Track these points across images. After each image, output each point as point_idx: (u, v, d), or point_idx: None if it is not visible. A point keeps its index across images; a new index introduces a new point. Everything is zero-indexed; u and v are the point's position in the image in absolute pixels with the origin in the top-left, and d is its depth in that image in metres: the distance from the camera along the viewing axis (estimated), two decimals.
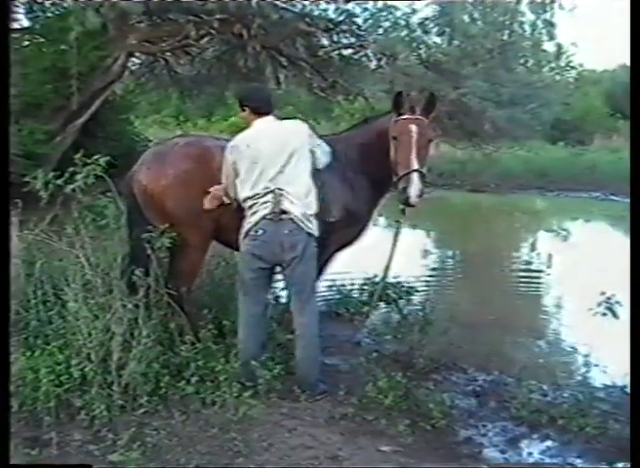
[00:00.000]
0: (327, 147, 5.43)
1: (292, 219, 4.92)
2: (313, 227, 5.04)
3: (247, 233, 5.00)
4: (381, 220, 11.68)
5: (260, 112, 5.17)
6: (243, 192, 5.02)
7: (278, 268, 5.16)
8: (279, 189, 4.91)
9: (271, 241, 4.91)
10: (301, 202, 4.98)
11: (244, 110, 5.25)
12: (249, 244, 5.00)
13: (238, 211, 5.13)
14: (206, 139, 5.80)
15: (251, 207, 4.98)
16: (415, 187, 5.09)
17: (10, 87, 4.75)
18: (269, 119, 5.19)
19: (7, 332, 4.04)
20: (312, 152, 5.20)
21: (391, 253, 5.91)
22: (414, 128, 5.29)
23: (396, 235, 5.85)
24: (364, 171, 5.68)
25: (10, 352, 4.36)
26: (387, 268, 6.07)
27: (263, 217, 4.91)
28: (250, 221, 4.98)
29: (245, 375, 4.89)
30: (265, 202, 4.92)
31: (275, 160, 4.95)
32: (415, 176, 5.12)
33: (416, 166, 5.16)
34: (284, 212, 4.90)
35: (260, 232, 4.93)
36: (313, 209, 5.07)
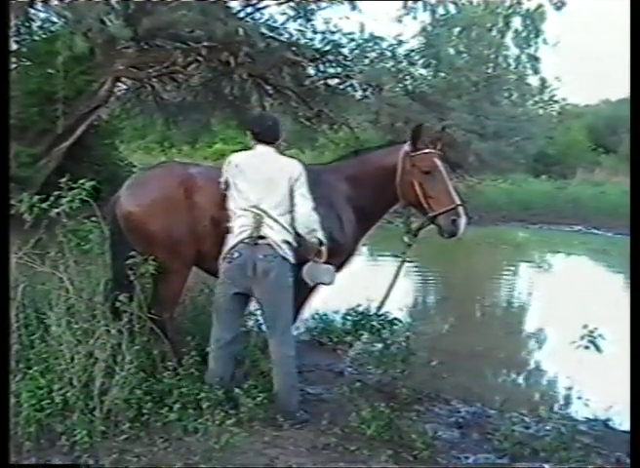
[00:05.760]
0: (310, 203, 5.11)
1: (269, 245, 4.92)
2: (290, 254, 5.03)
3: (225, 256, 5.01)
4: (364, 250, 11.68)
5: (260, 139, 5.19)
6: (231, 203, 5.08)
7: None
8: (259, 215, 4.92)
9: (245, 264, 4.90)
10: (281, 229, 4.99)
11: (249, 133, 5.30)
12: (224, 267, 5.02)
13: (219, 237, 5.13)
14: (189, 166, 5.79)
15: (232, 229, 5.02)
16: (464, 220, 5.36)
17: (9, 109, 4.72)
18: (268, 149, 5.18)
19: (7, 327, 4.03)
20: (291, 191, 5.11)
21: (392, 283, 5.94)
22: (439, 162, 5.50)
23: (400, 267, 5.90)
24: (353, 202, 5.71)
25: (9, 350, 4.35)
26: (386, 298, 6.09)
27: (241, 241, 4.92)
28: (228, 244, 5.00)
29: (213, 395, 4.86)
30: (244, 225, 4.94)
31: (257, 188, 4.98)
32: (462, 210, 5.38)
33: (459, 200, 5.41)
34: (262, 237, 4.90)
35: (236, 255, 4.93)
36: (292, 238, 5.06)
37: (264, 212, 4.94)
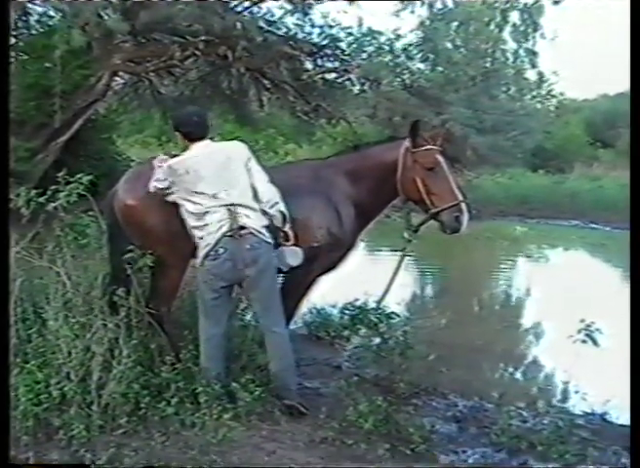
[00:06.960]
0: (266, 177, 5.16)
1: (252, 233, 4.88)
2: (270, 236, 5.02)
3: (207, 254, 4.92)
4: (361, 244, 11.68)
5: (192, 138, 5.12)
6: (190, 220, 4.99)
7: (238, 289, 5.23)
8: (232, 206, 4.89)
9: (233, 258, 4.86)
10: (255, 215, 4.96)
11: (179, 135, 5.23)
12: (209, 264, 4.92)
13: None
14: None
15: (203, 228, 4.93)
16: (466, 216, 5.38)
17: (8, 103, 4.72)
18: (205, 143, 5.12)
19: (7, 326, 4.02)
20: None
21: (392, 278, 5.94)
22: (441, 159, 5.50)
23: (400, 262, 5.90)
24: (352, 197, 5.69)
25: (9, 350, 4.35)
26: (386, 293, 6.09)
27: (223, 235, 4.86)
28: (208, 242, 4.90)
29: (210, 389, 4.86)
30: (221, 220, 4.87)
31: (217, 182, 4.92)
32: (464, 206, 5.39)
33: (461, 197, 5.41)
34: (242, 227, 4.87)
35: (222, 251, 4.86)
36: (265, 221, 5.03)
37: (235, 206, 4.91)
